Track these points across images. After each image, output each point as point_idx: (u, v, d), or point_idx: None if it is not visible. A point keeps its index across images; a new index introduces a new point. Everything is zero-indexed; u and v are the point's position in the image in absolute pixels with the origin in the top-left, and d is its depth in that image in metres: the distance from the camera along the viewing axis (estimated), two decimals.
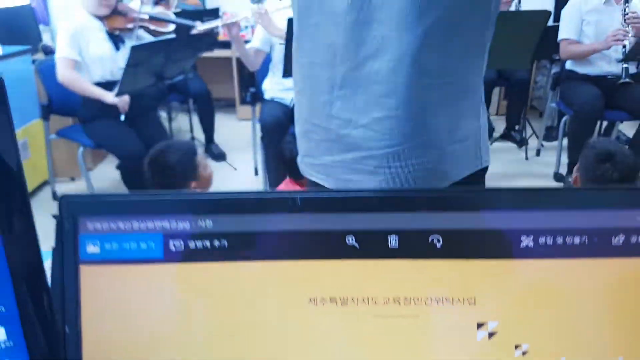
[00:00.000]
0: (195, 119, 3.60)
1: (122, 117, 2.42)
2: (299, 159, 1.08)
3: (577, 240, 0.43)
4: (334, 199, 0.44)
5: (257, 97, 3.07)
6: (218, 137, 3.78)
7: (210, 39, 2.65)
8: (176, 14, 3.03)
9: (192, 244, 0.44)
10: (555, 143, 3.78)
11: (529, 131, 3.75)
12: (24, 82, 2.94)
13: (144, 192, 0.47)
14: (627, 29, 2.68)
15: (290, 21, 2.26)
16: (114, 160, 2.97)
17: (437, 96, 0.84)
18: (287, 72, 2.40)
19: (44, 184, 3.14)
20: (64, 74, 2.46)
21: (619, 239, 0.43)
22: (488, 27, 0.88)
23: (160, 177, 1.84)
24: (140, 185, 2.70)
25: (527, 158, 3.58)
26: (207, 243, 0.44)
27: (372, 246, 0.43)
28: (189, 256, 0.44)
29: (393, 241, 0.43)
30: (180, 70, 2.46)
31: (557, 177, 3.19)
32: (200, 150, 3.62)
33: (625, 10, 2.71)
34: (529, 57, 2.57)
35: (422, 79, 0.82)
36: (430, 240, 0.43)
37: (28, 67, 3.00)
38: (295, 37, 0.95)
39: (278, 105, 2.84)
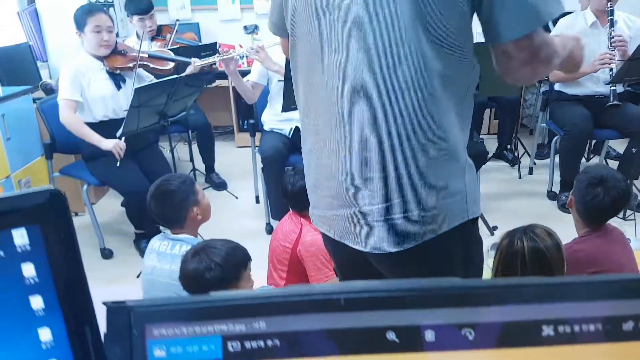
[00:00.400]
0: (195, 148, 3.64)
1: (118, 163, 2.45)
2: (310, 209, 1.16)
3: (592, 327, 0.49)
4: (375, 298, 0.49)
5: (256, 127, 3.12)
6: (217, 165, 3.83)
7: (209, 76, 2.71)
8: (174, 50, 3.09)
9: (247, 345, 0.49)
10: (546, 161, 3.87)
11: (520, 150, 3.82)
12: (26, 121, 2.98)
13: (203, 298, 0.51)
14: (613, 52, 2.77)
15: (288, 61, 2.32)
16: (115, 194, 3.00)
17: (424, 159, 0.94)
18: (285, 107, 2.46)
19: None
20: (65, 115, 2.51)
21: (629, 325, 0.49)
22: (466, 98, 0.97)
23: (165, 203, 1.92)
24: (145, 221, 2.74)
25: (520, 177, 3.66)
26: (262, 343, 0.49)
27: (411, 340, 0.48)
28: (246, 356, 0.49)
29: (430, 335, 0.48)
30: (183, 108, 2.52)
31: (550, 195, 3.26)
32: (201, 180, 3.68)
33: (611, 34, 2.79)
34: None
35: (408, 145, 0.93)
36: (463, 333, 0.48)
37: (29, 106, 3.04)
38: (302, 106, 1.05)
39: (277, 135, 2.90)
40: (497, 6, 0.86)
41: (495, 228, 2.81)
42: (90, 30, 2.54)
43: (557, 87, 3.19)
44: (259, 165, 3.28)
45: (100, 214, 3.21)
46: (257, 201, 3.39)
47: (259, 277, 2.37)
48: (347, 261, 1.13)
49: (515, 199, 3.31)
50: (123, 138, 2.50)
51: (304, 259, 2.05)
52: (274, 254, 2.15)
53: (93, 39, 2.55)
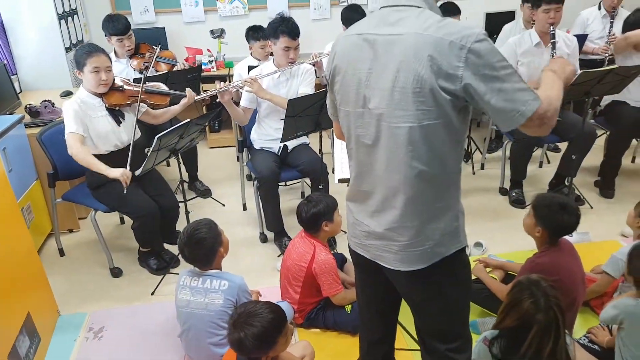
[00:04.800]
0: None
1: (124, 191, 2.56)
2: (347, 236, 1.62)
3: None
4: None
5: (244, 144, 3.38)
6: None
7: (213, 114, 2.91)
8: (163, 76, 3.24)
9: None
10: (494, 155, 4.37)
11: (471, 146, 4.28)
12: (22, 150, 3.07)
13: None
14: None
15: (290, 102, 2.60)
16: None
17: (432, 214, 1.38)
18: (284, 139, 2.75)
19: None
20: (73, 149, 2.62)
21: None
22: (454, 182, 1.40)
23: (197, 250, 2.17)
24: (154, 240, 2.97)
25: (473, 172, 4.13)
26: None
27: None
28: None
29: None
30: (189, 141, 2.73)
31: (502, 191, 3.77)
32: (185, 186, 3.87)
33: (552, 55, 3.22)
34: None
35: (418, 207, 1.37)
36: None
37: (22, 133, 3.13)
38: (354, 172, 1.49)
39: (268, 154, 3.16)
40: (494, 116, 1.25)
41: None
42: (89, 71, 2.64)
43: None
44: (245, 174, 3.54)
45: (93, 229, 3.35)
46: (245, 208, 3.66)
47: (259, 285, 2.65)
48: (365, 267, 1.59)
49: (471, 195, 3.76)
50: (128, 166, 2.66)
51: (318, 275, 2.40)
52: (289, 272, 2.47)
53: (92, 79, 2.67)
